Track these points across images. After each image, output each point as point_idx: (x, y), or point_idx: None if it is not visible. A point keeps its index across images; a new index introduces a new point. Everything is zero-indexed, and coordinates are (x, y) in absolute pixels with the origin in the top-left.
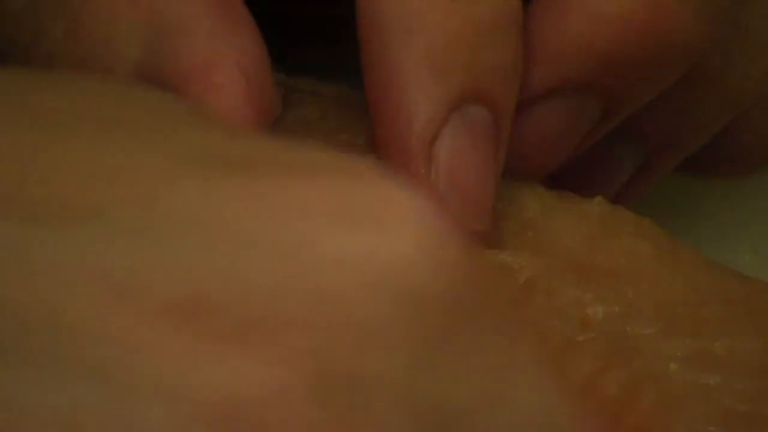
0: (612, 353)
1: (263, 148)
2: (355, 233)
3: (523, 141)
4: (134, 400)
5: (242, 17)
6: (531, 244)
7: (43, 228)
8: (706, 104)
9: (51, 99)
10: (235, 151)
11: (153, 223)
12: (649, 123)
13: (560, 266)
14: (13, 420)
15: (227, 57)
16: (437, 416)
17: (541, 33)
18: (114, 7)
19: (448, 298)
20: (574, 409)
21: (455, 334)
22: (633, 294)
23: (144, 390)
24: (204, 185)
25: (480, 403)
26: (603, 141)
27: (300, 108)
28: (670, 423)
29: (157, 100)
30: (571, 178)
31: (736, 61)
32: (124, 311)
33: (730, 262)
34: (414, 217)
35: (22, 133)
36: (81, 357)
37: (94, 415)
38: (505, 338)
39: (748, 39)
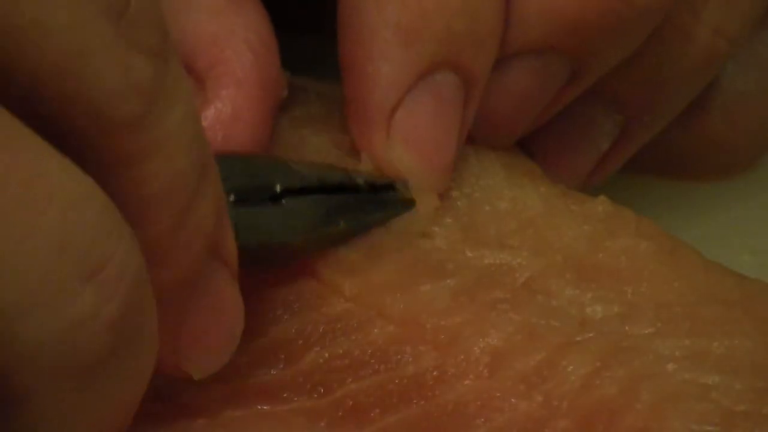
0: (611, 353)
1: None
2: None
3: (490, 103)
4: None
5: None
6: (532, 242)
7: None
8: (679, 62)
9: None
10: None
11: None
12: (626, 85)
13: (560, 266)
14: None
15: (234, 32)
16: None
17: None
18: None
19: None
20: None
21: None
22: (632, 294)
23: None
24: None
25: None
26: (582, 107)
27: (305, 107)
28: (668, 422)
29: None
30: (553, 145)
31: (707, 17)
32: None
33: (729, 262)
34: None
35: None
36: None
37: None
38: None
39: None
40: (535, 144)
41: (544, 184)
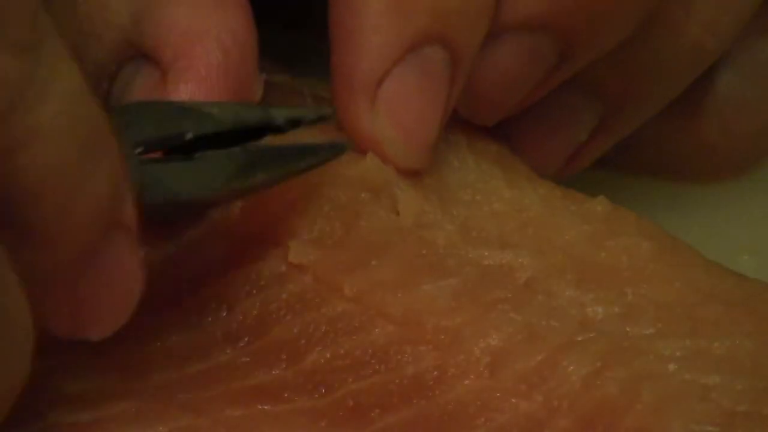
0: (611, 353)
1: None
2: None
3: (477, 79)
4: None
5: None
6: (532, 242)
7: None
8: (666, 56)
9: None
10: None
11: None
12: (609, 74)
13: (561, 266)
14: None
15: (208, 30)
16: None
17: None
18: None
19: None
20: None
21: None
22: (632, 295)
23: None
24: None
25: None
26: (563, 94)
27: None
28: (668, 422)
29: None
30: (531, 130)
31: (698, 13)
32: None
33: (728, 262)
34: None
35: None
36: None
37: None
38: None
39: None
40: (513, 128)
41: (543, 186)
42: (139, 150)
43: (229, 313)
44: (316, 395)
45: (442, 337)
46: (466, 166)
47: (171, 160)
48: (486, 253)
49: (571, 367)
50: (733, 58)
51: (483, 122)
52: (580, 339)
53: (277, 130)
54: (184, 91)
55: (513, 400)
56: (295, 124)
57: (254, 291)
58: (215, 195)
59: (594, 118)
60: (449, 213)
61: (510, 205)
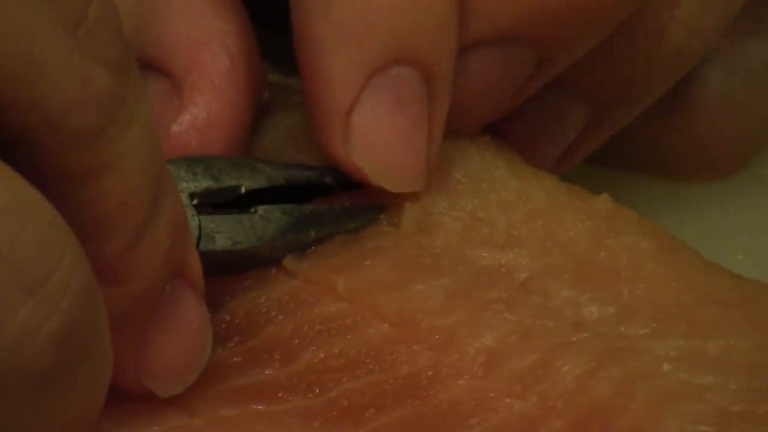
0: (606, 353)
1: None
2: None
3: (457, 90)
4: None
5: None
6: (537, 238)
7: None
8: (651, 58)
9: None
10: None
11: None
12: (596, 77)
13: (559, 265)
14: None
15: (213, 37)
16: None
17: None
18: None
19: None
20: None
21: None
22: (628, 295)
23: None
24: None
25: None
26: (552, 96)
27: (298, 112)
28: (663, 423)
29: None
30: (522, 132)
31: (681, 15)
32: None
33: (723, 261)
34: None
35: None
36: None
37: None
38: None
39: None
40: (504, 130)
41: (548, 178)
42: (194, 202)
43: (219, 313)
44: (310, 395)
45: (437, 336)
46: (470, 158)
47: (227, 212)
48: (485, 254)
49: (566, 367)
50: (721, 57)
51: (464, 130)
52: (574, 339)
53: (327, 190)
54: (201, 102)
55: (507, 400)
56: (343, 185)
57: (243, 291)
58: (270, 247)
59: (583, 119)
60: (457, 205)
61: (517, 195)
